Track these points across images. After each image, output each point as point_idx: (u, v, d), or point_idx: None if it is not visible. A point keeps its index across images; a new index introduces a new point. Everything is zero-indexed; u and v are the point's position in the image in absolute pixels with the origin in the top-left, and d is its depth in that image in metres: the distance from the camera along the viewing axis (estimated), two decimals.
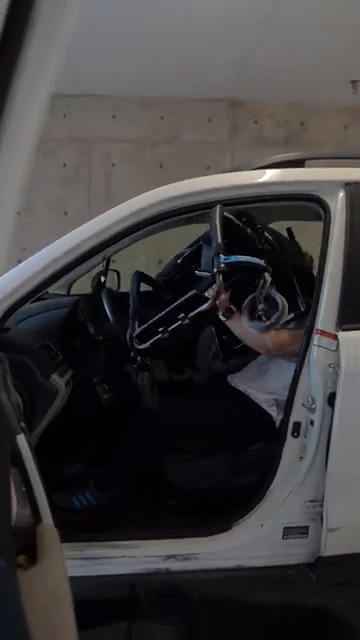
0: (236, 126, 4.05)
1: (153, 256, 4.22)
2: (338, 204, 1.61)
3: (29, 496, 0.94)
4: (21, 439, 0.97)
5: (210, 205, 1.62)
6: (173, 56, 3.34)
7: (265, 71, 3.53)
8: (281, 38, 3.05)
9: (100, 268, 2.71)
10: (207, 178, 1.66)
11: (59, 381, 1.62)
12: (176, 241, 4.17)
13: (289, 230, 2.15)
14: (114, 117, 3.97)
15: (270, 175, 1.66)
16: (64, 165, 4.01)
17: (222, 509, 1.69)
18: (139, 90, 3.83)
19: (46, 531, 0.86)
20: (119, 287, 2.83)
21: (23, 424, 1.14)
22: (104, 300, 1.91)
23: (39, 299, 2.14)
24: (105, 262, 2.64)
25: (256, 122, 4.06)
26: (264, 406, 1.74)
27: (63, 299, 2.27)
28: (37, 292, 1.51)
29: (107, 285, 2.52)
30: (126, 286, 3.01)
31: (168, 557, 1.63)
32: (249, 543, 1.63)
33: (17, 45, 0.39)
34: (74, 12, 0.41)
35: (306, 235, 2.19)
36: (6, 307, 1.47)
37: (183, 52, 3.30)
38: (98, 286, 2.57)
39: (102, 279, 2.35)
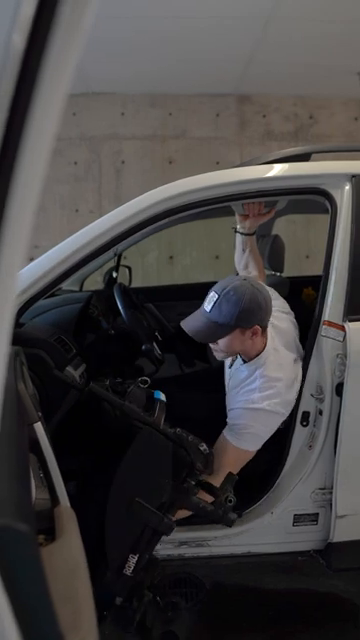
0: (244, 121, 4.07)
1: (164, 252, 4.28)
2: (344, 196, 1.63)
3: (47, 481, 0.99)
4: (38, 427, 1.02)
5: (218, 200, 1.67)
6: (180, 52, 3.38)
7: (272, 65, 3.55)
8: (286, 31, 3.06)
9: (112, 264, 2.76)
10: (214, 174, 1.69)
11: (73, 373, 1.67)
12: (186, 238, 4.23)
13: None
14: (123, 114, 4.01)
15: (276, 169, 1.69)
16: (75, 163, 4.07)
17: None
18: (147, 87, 3.87)
19: (64, 512, 0.91)
20: (130, 283, 2.87)
21: (40, 414, 1.20)
22: (116, 295, 1.96)
23: (52, 295, 2.21)
24: (116, 258, 2.69)
25: (264, 116, 4.07)
26: None
27: (76, 294, 2.33)
28: (50, 289, 1.56)
29: (119, 281, 2.58)
30: (137, 282, 3.07)
31: (181, 544, 1.67)
32: (260, 530, 1.67)
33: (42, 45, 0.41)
34: (94, 12, 0.44)
35: (316, 226, 2.21)
36: (21, 303, 1.52)
37: (189, 48, 3.33)
38: (110, 282, 2.62)
39: (114, 275, 2.39)
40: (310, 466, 1.63)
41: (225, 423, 1.74)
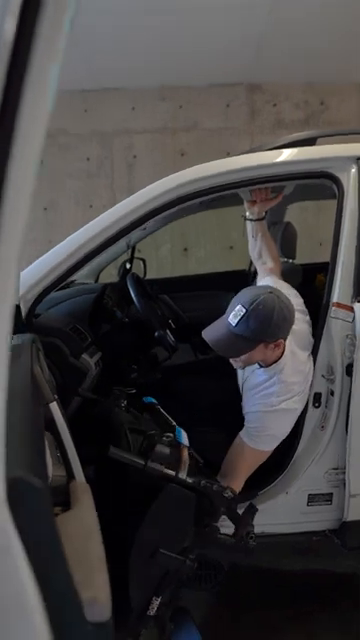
0: (255, 110, 4.06)
1: (178, 245, 4.30)
2: (351, 179, 1.64)
3: (63, 457, 1.03)
4: (54, 407, 1.07)
5: (225, 187, 1.69)
6: (188, 45, 3.38)
7: (280, 53, 3.53)
8: (292, 18, 3.04)
9: (126, 257, 2.80)
10: (222, 161, 1.71)
11: (89, 361, 1.72)
12: (200, 230, 4.24)
13: None
14: (133, 109, 4.04)
15: (283, 155, 1.70)
16: (87, 159, 4.12)
17: (249, 478, 1.77)
18: (157, 80, 3.89)
19: (79, 486, 0.96)
20: (145, 274, 2.89)
21: (56, 396, 1.25)
22: (129, 285, 2.00)
23: (67, 287, 2.27)
24: (130, 250, 2.73)
25: (275, 105, 4.06)
26: None
27: (91, 286, 2.38)
28: (63, 279, 1.60)
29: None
30: (152, 274, 3.10)
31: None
32: (274, 510, 1.70)
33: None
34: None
35: (327, 214, 2.21)
36: (36, 294, 1.57)
37: (197, 40, 3.33)
38: (124, 274, 2.66)
39: (127, 266, 2.43)
40: (323, 446, 1.65)
41: (235, 407, 1.78)
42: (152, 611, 1.21)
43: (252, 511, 1.44)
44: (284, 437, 1.59)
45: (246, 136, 4.06)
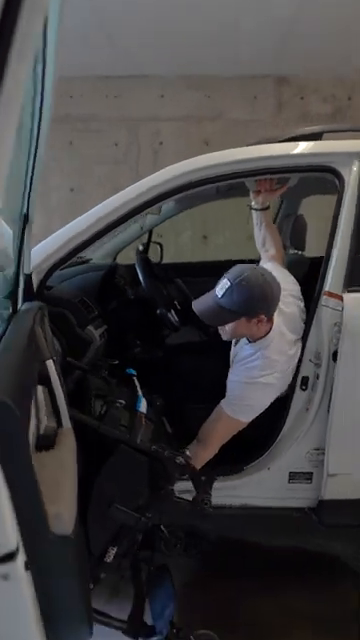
0: (282, 103, 4.09)
1: (198, 232, 4.39)
2: (352, 174, 1.71)
3: (54, 408, 1.17)
4: (49, 364, 1.20)
5: (233, 176, 1.78)
6: (217, 35, 3.43)
7: (309, 45, 3.54)
8: (323, 10, 3.05)
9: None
10: (229, 151, 1.80)
11: (94, 332, 1.85)
12: (220, 218, 4.31)
13: None
14: (162, 96, 4.12)
15: (289, 148, 1.78)
16: (115, 145, 4.23)
17: (238, 454, 1.87)
18: (185, 69, 3.96)
19: (65, 431, 1.09)
20: (161, 258, 2.99)
21: (55, 358, 1.38)
22: (137, 264, 2.12)
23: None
24: (148, 235, 2.84)
25: (302, 98, 4.08)
26: None
27: (102, 264, 2.50)
28: (74, 254, 1.72)
29: (150, 257, 2.73)
30: (169, 258, 3.19)
31: (184, 492, 1.82)
32: (256, 484, 1.81)
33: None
34: None
35: None
36: (48, 266, 1.70)
37: (226, 30, 3.38)
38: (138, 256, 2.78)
39: (140, 248, 2.54)
40: (306, 427, 1.75)
41: None
42: (109, 559, 1.33)
43: (210, 480, 1.56)
44: (261, 410, 1.68)
45: (272, 128, 4.08)
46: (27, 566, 0.69)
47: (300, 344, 1.71)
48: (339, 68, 3.87)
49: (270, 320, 1.64)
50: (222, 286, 1.57)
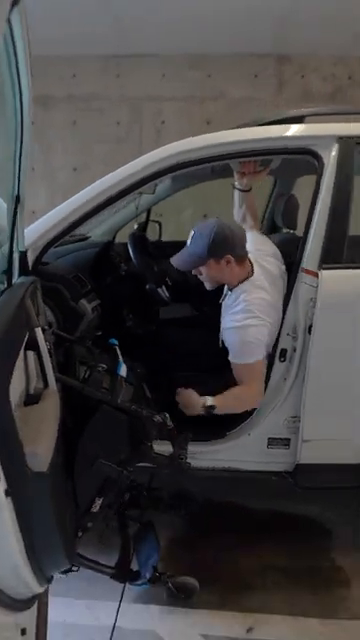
0: (282, 82, 4.11)
1: (199, 210, 4.46)
2: (330, 157, 1.79)
3: (42, 371, 1.30)
4: (38, 332, 1.32)
5: (217, 158, 1.86)
6: (218, 14, 3.46)
7: (311, 24, 3.55)
8: None
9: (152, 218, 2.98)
10: (215, 134, 1.88)
11: (87, 306, 1.97)
12: (220, 196, 4.37)
13: None
14: (164, 76, 4.16)
15: (271, 131, 1.86)
16: (117, 123, 4.29)
17: (221, 421, 2.00)
18: (187, 48, 3.99)
19: (49, 391, 1.22)
20: (160, 236, 3.08)
21: (47, 327, 1.51)
22: (129, 242, 2.22)
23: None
24: (146, 213, 2.94)
25: (303, 77, 4.09)
26: None
27: (97, 241, 2.61)
28: (68, 232, 1.81)
29: (148, 235, 2.83)
30: (169, 236, 3.28)
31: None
32: (238, 449, 1.94)
33: None
34: None
35: None
36: (43, 243, 1.80)
37: (227, 8, 3.40)
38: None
39: (135, 226, 2.64)
40: (283, 396, 1.86)
41: (225, 355, 2.00)
42: (95, 509, 1.47)
43: (186, 437, 1.70)
44: (265, 346, 1.78)
45: (273, 107, 4.10)
46: (7, 493, 0.82)
47: (281, 301, 1.82)
48: (339, 47, 3.88)
49: (242, 264, 1.80)
50: (190, 237, 1.81)
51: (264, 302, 1.77)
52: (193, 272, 1.86)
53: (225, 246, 1.74)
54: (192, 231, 1.80)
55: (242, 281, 1.81)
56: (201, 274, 1.83)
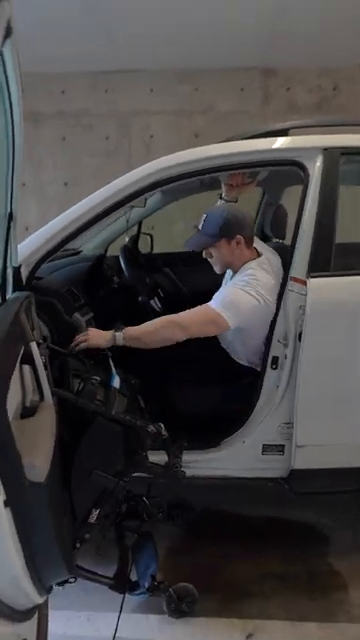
0: (268, 94, 4.19)
1: (190, 222, 4.51)
2: (316, 167, 1.84)
3: (37, 385, 1.32)
4: (33, 346, 1.34)
5: (203, 172, 1.91)
6: (204, 29, 3.53)
7: (295, 37, 3.63)
8: (308, 2, 3.14)
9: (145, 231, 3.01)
10: (202, 148, 1.93)
11: (81, 319, 1.99)
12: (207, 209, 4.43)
13: None
14: (152, 90, 4.23)
15: (257, 144, 1.91)
16: (106, 138, 4.35)
17: (215, 429, 2.02)
18: (174, 63, 4.06)
19: (45, 404, 1.24)
20: (152, 249, 3.12)
21: (42, 341, 1.53)
22: (120, 255, 2.26)
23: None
24: (137, 226, 2.98)
25: (288, 89, 4.17)
26: None
27: (89, 255, 2.64)
28: (60, 247, 1.85)
29: (140, 248, 2.86)
30: (160, 248, 3.31)
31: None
32: (233, 456, 1.96)
33: None
34: None
35: None
36: (36, 259, 1.83)
37: (214, 24, 3.47)
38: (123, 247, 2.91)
39: (126, 239, 2.68)
40: (276, 403, 1.89)
41: (218, 364, 2.03)
42: (92, 519, 1.48)
43: (180, 446, 1.72)
44: (241, 319, 1.79)
45: (259, 120, 4.19)
46: (6, 503, 0.84)
47: (277, 288, 1.84)
48: (324, 59, 3.97)
49: (250, 247, 1.91)
50: (201, 219, 1.92)
51: (267, 284, 1.83)
52: (204, 255, 1.96)
53: (236, 226, 1.85)
54: (204, 214, 1.91)
55: (248, 261, 1.90)
56: (211, 256, 1.93)
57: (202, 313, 1.82)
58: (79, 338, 1.76)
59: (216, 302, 1.84)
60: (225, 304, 1.80)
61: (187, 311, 1.86)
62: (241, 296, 1.80)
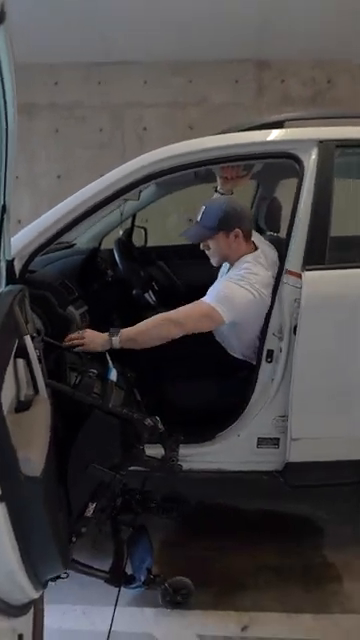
0: (262, 86, 4.17)
1: (184, 215, 4.49)
2: (311, 160, 1.83)
3: (32, 378, 1.31)
4: (27, 339, 1.33)
5: (199, 164, 1.90)
6: (198, 20, 3.51)
7: (288, 29, 3.61)
8: None
9: (139, 224, 2.99)
10: (197, 140, 1.91)
11: (75, 312, 1.98)
12: (204, 201, 4.41)
13: None
14: (145, 83, 4.19)
15: (253, 136, 1.90)
16: (100, 130, 4.31)
17: (211, 423, 2.02)
18: (168, 55, 4.02)
19: (40, 398, 1.23)
20: (146, 242, 3.10)
21: (35, 335, 1.52)
22: (114, 249, 2.24)
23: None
24: (131, 219, 2.95)
25: (282, 81, 4.15)
26: None
27: (83, 248, 2.62)
28: (53, 240, 1.83)
29: (134, 241, 2.84)
30: (155, 241, 3.29)
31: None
32: (228, 450, 1.96)
33: None
34: None
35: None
36: (30, 252, 1.81)
37: (207, 15, 3.45)
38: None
39: (120, 233, 2.66)
40: (271, 396, 1.89)
41: (213, 358, 2.02)
42: (89, 513, 1.48)
43: (177, 440, 1.72)
44: (236, 312, 1.79)
45: (253, 112, 4.16)
46: (1, 499, 0.83)
47: (272, 283, 1.84)
48: (318, 52, 3.95)
49: (247, 241, 1.91)
50: (200, 212, 1.91)
51: (262, 277, 1.83)
52: (201, 246, 1.95)
53: (235, 219, 1.85)
54: (203, 206, 1.90)
55: (244, 254, 1.89)
56: (209, 248, 1.92)
57: (197, 309, 1.81)
58: (74, 338, 1.73)
59: (210, 297, 1.83)
60: (220, 298, 1.79)
61: (181, 307, 1.84)
62: (236, 290, 1.80)
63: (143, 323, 1.80)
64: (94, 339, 1.74)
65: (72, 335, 1.75)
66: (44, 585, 1.15)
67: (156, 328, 1.78)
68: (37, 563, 1.03)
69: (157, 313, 2.40)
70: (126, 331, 1.76)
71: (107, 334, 1.75)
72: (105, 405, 1.45)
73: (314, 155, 1.83)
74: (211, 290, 1.90)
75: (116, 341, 1.73)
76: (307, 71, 4.11)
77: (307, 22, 3.53)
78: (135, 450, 1.54)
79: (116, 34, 3.73)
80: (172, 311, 1.83)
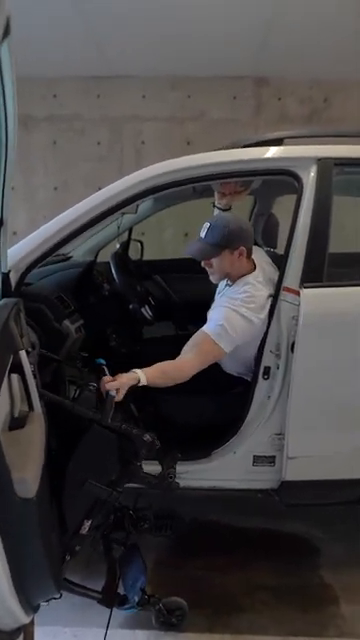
0: (260, 104, 4.21)
1: (180, 229, 4.50)
2: (309, 177, 1.83)
3: (26, 394, 1.28)
4: (22, 354, 1.31)
5: (198, 180, 1.90)
6: (198, 36, 3.53)
7: (286, 47, 3.65)
8: (300, 13, 3.16)
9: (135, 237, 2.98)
10: (197, 156, 1.92)
11: (70, 326, 1.96)
12: (202, 215, 4.43)
13: None
14: (144, 97, 4.22)
15: (253, 153, 1.90)
16: (98, 143, 4.33)
17: (206, 440, 2.00)
18: (167, 70, 4.06)
19: (34, 414, 1.20)
20: (142, 256, 3.10)
21: (31, 349, 1.50)
22: (111, 262, 2.23)
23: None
24: (128, 233, 2.95)
25: (280, 99, 4.20)
26: None
27: (80, 261, 2.61)
28: (50, 254, 1.81)
29: (130, 254, 2.84)
30: (151, 255, 3.29)
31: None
32: (223, 467, 1.93)
33: None
34: None
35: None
36: (26, 265, 1.80)
37: (207, 32, 3.47)
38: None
39: (117, 246, 2.66)
40: (268, 414, 1.87)
41: (208, 374, 1.99)
42: (84, 531, 1.45)
43: (174, 456, 1.69)
44: (237, 341, 1.77)
45: (251, 128, 4.21)
46: None
47: (269, 302, 1.83)
48: (315, 71, 4.00)
49: (249, 258, 1.88)
50: (204, 228, 1.86)
51: (261, 299, 1.82)
52: (203, 264, 1.90)
53: (240, 237, 1.83)
54: (206, 223, 1.87)
55: (246, 274, 1.88)
56: (211, 266, 1.88)
57: (203, 351, 1.78)
58: (108, 383, 1.57)
59: (211, 326, 1.80)
60: (220, 333, 1.77)
61: (189, 352, 1.79)
62: (235, 321, 1.78)
63: (158, 370, 1.73)
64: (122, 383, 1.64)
65: (106, 378, 1.62)
66: (35, 609, 1.12)
67: (170, 378, 1.75)
68: (29, 587, 1.00)
69: (153, 327, 2.42)
70: (150, 376, 1.69)
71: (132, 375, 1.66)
72: (104, 419, 1.43)
73: (313, 172, 1.83)
74: (211, 314, 1.88)
75: (143, 379, 1.67)
76: (304, 90, 4.16)
77: (305, 41, 3.58)
78: (132, 466, 1.52)
79: (115, 48, 3.75)
80: (182, 358, 1.78)
